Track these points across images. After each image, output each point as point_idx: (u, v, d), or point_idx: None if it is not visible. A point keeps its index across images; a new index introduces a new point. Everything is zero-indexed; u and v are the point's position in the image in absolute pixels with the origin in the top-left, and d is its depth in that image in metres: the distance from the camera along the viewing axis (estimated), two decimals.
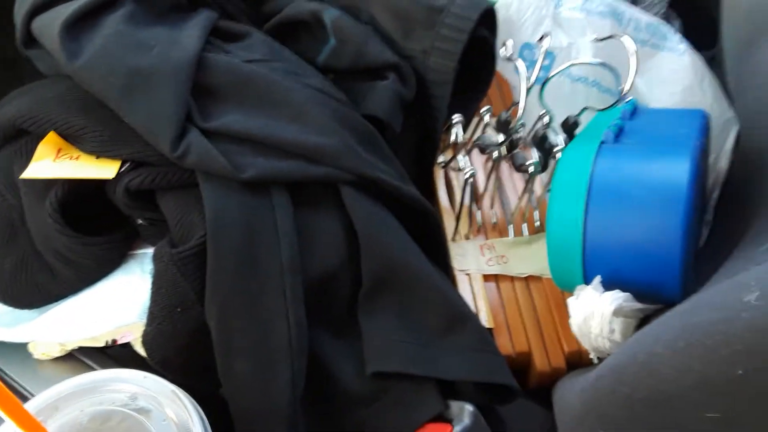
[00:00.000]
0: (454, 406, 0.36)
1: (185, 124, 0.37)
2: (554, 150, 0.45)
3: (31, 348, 0.40)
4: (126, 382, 0.31)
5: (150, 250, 0.38)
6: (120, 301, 0.38)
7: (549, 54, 0.52)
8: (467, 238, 0.48)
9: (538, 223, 0.49)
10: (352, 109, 0.42)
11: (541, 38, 0.45)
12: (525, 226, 0.49)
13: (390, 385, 0.36)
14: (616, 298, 0.35)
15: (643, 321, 0.35)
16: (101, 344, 0.38)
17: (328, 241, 0.38)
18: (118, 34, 0.38)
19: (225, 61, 0.40)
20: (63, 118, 0.38)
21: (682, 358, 0.23)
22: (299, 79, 0.41)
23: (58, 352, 0.40)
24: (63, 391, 0.31)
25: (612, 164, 0.37)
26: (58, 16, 0.37)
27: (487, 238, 0.48)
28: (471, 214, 0.48)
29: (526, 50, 0.53)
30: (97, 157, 0.38)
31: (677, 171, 0.35)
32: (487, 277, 0.45)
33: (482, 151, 0.49)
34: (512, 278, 0.45)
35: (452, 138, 0.47)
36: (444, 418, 0.35)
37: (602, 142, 0.38)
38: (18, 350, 0.40)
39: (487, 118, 0.49)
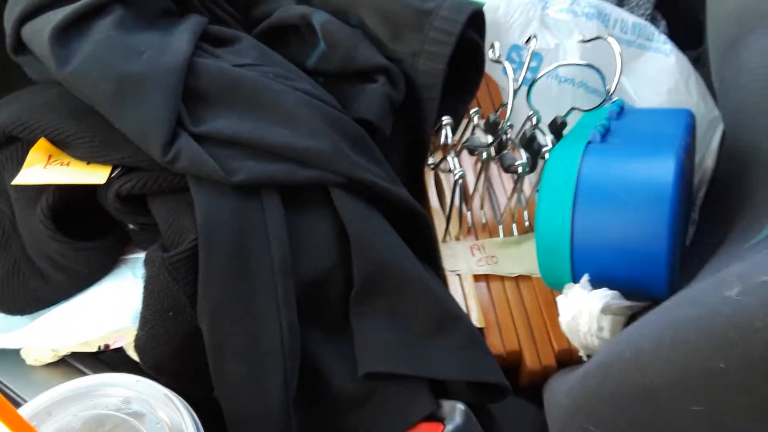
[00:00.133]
0: (446, 405, 0.36)
1: (176, 128, 0.37)
2: (542, 150, 0.46)
3: (23, 354, 0.40)
4: (119, 386, 0.31)
5: (142, 255, 0.38)
6: (112, 306, 0.38)
7: (537, 55, 0.52)
8: (457, 238, 0.48)
9: (527, 223, 0.49)
10: (342, 113, 0.42)
11: (528, 40, 0.46)
12: (515, 226, 0.49)
13: (382, 386, 0.36)
14: (604, 296, 0.35)
15: (632, 318, 0.36)
16: (94, 349, 0.38)
17: (319, 243, 0.38)
18: (108, 39, 0.38)
19: (215, 66, 0.40)
20: (53, 125, 0.38)
21: (666, 354, 0.24)
22: (289, 83, 0.41)
23: (50, 358, 0.40)
24: (56, 396, 0.31)
25: (598, 164, 0.37)
26: (48, 22, 0.38)
27: (477, 239, 0.48)
28: (461, 215, 0.48)
29: (514, 52, 0.53)
30: (88, 163, 0.38)
31: (662, 170, 0.35)
32: (477, 278, 0.46)
33: (471, 152, 0.49)
34: (502, 278, 0.46)
35: (442, 140, 0.48)
36: (436, 417, 0.36)
37: (589, 142, 0.39)
38: (11, 356, 0.40)
39: (476, 119, 0.49)
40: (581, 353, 0.38)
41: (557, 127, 0.48)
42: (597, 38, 0.48)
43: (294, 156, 0.38)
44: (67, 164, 0.38)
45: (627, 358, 0.26)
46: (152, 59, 0.38)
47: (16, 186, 0.38)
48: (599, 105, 0.47)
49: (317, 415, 0.36)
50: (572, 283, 0.37)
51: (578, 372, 0.31)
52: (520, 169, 0.46)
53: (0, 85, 0.44)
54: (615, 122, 0.42)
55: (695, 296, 0.25)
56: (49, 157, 0.38)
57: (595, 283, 0.36)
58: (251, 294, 0.35)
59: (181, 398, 0.31)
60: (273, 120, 0.39)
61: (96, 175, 0.37)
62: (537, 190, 0.45)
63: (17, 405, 0.31)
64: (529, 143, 0.47)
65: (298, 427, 0.34)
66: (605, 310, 0.35)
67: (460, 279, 0.45)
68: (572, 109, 0.48)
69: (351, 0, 0.47)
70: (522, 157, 0.46)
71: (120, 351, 0.39)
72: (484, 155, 0.47)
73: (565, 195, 0.37)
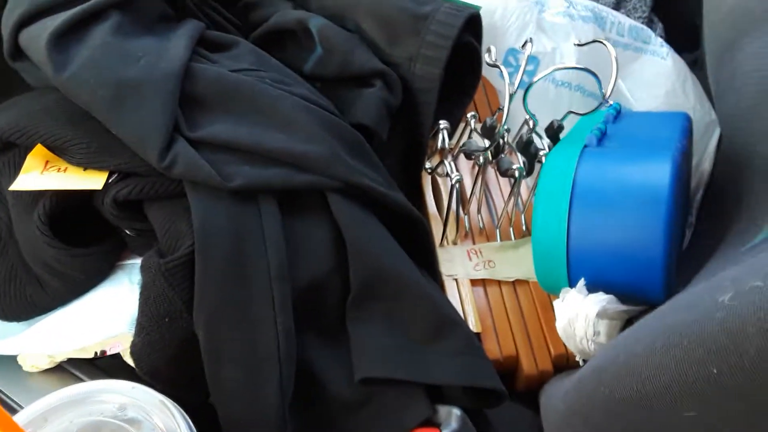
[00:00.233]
0: (442, 410, 0.36)
1: (172, 134, 0.37)
2: (539, 154, 0.46)
3: (20, 360, 0.40)
4: (115, 392, 0.31)
5: (138, 261, 0.38)
6: (108, 312, 0.38)
7: (534, 59, 0.52)
8: (455, 243, 0.48)
9: (524, 228, 0.49)
10: (339, 117, 0.42)
11: (524, 44, 0.46)
12: (512, 231, 0.49)
13: (378, 391, 0.36)
14: (600, 300, 0.35)
15: (628, 322, 0.36)
16: (90, 355, 0.38)
17: (316, 248, 0.38)
18: (105, 45, 0.38)
19: (212, 71, 0.40)
20: (50, 131, 0.38)
21: (659, 359, 0.24)
22: (286, 88, 0.41)
23: (47, 364, 0.40)
24: (52, 402, 0.31)
25: (595, 168, 0.37)
26: (46, 28, 0.38)
27: (474, 243, 0.48)
28: (458, 220, 0.48)
29: (511, 56, 0.53)
30: (85, 169, 0.38)
31: (658, 173, 0.35)
32: (474, 282, 0.46)
33: (468, 156, 0.49)
34: (499, 283, 0.46)
35: (439, 144, 0.48)
36: (432, 422, 0.36)
37: (585, 146, 0.39)
38: (7, 362, 0.40)
39: (472, 123, 0.49)
40: (577, 358, 0.38)
41: (554, 131, 0.48)
42: (593, 42, 0.48)
43: (291, 161, 0.38)
44: (64, 170, 0.38)
45: (621, 362, 0.26)
46: (149, 65, 0.38)
47: (14, 192, 0.38)
48: (596, 108, 0.47)
49: (313, 420, 0.36)
50: (569, 288, 0.37)
51: (574, 377, 0.31)
52: (516, 173, 0.46)
53: None
54: (611, 126, 0.42)
55: (690, 301, 0.25)
56: (46, 163, 0.38)
57: (592, 288, 0.36)
58: (248, 299, 0.35)
59: (176, 404, 0.31)
60: (270, 125, 0.39)
61: (93, 180, 0.37)
62: (534, 194, 0.45)
63: (13, 411, 0.31)
64: (526, 147, 0.47)
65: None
66: (601, 315, 0.35)
67: (458, 283, 0.45)
68: (569, 112, 0.48)
69: (348, 5, 0.47)
70: (519, 161, 0.46)
71: (116, 357, 0.39)
72: (481, 159, 0.47)
73: (562, 199, 0.37)
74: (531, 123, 0.47)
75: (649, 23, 0.59)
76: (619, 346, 0.27)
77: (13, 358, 0.40)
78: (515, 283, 0.46)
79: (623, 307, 0.36)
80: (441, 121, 0.47)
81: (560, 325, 0.37)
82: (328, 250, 0.38)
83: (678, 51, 0.54)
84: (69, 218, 0.38)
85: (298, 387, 0.35)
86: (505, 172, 0.47)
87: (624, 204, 0.35)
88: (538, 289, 0.44)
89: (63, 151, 0.38)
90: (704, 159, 0.50)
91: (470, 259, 0.47)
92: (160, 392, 0.31)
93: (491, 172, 0.52)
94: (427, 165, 0.50)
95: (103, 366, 0.40)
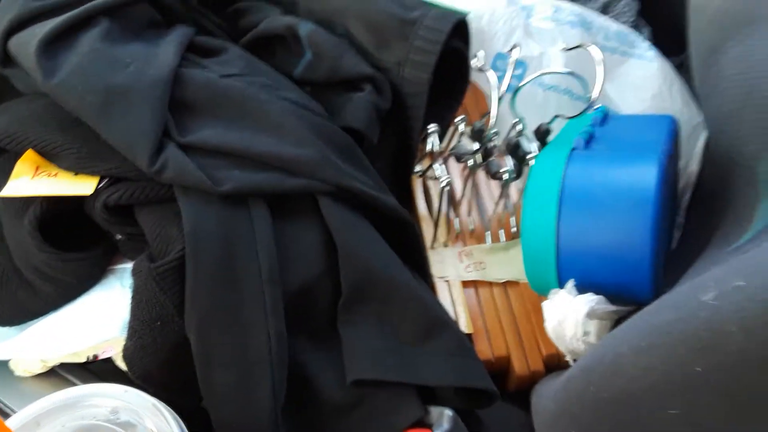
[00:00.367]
0: (434, 411, 0.36)
1: (162, 139, 0.37)
2: (527, 157, 0.46)
3: (12, 365, 0.40)
4: (107, 396, 0.31)
5: (129, 265, 0.38)
6: (100, 316, 0.38)
7: (521, 63, 0.53)
8: (445, 245, 0.49)
9: (514, 229, 0.49)
10: (329, 121, 0.42)
11: (512, 49, 0.46)
12: (502, 233, 0.49)
13: (370, 393, 0.36)
14: (589, 300, 0.36)
15: (618, 322, 0.36)
16: (83, 360, 0.38)
17: (307, 252, 0.38)
18: (94, 51, 0.38)
19: (201, 76, 0.40)
20: (40, 136, 0.38)
21: (645, 358, 0.24)
22: (276, 93, 0.42)
23: (39, 369, 0.40)
24: (45, 406, 0.31)
25: (582, 170, 0.38)
26: (35, 35, 0.38)
27: (465, 245, 0.49)
28: (449, 222, 0.49)
29: (499, 60, 0.53)
30: (75, 174, 0.38)
31: (645, 175, 0.36)
32: (465, 284, 0.46)
33: (458, 159, 0.49)
34: (490, 284, 0.46)
35: (429, 147, 0.48)
36: (424, 423, 0.36)
37: (573, 149, 0.39)
38: None
39: (462, 127, 0.50)
40: (567, 358, 0.38)
41: (542, 134, 0.48)
42: (579, 46, 0.49)
43: (281, 165, 0.38)
44: (55, 175, 0.38)
45: (608, 362, 0.26)
46: (138, 71, 0.38)
47: (4, 197, 0.38)
48: (583, 112, 0.47)
49: (306, 423, 0.36)
50: (558, 289, 0.38)
51: (563, 377, 0.31)
52: (505, 176, 0.46)
53: None
54: (599, 129, 0.42)
55: (674, 300, 0.25)
56: (37, 168, 0.38)
57: (581, 288, 0.37)
58: (239, 303, 0.35)
59: (169, 408, 0.31)
60: (260, 129, 0.39)
61: (83, 185, 0.37)
62: (523, 197, 0.46)
63: (6, 416, 0.31)
64: (515, 150, 0.48)
65: None
66: (591, 315, 0.36)
67: (449, 285, 0.46)
68: (556, 116, 0.48)
69: (336, 10, 0.47)
70: (508, 164, 0.47)
71: (109, 361, 0.39)
72: (471, 162, 0.48)
73: (550, 201, 0.37)
74: (519, 126, 0.47)
75: (636, 27, 0.59)
76: (606, 345, 0.27)
77: (5, 363, 0.40)
78: (506, 284, 0.46)
79: (612, 308, 0.36)
80: (431, 125, 0.48)
81: (550, 325, 0.37)
82: (319, 254, 0.38)
83: (665, 54, 0.55)
84: (60, 223, 0.38)
85: (290, 390, 0.35)
86: (494, 175, 0.47)
87: (611, 206, 0.36)
88: (529, 289, 0.44)
89: (53, 157, 0.38)
90: (691, 161, 0.50)
91: (461, 260, 0.47)
92: (152, 396, 0.31)
93: (481, 174, 0.52)
94: (418, 168, 0.51)
95: (96, 370, 0.40)
